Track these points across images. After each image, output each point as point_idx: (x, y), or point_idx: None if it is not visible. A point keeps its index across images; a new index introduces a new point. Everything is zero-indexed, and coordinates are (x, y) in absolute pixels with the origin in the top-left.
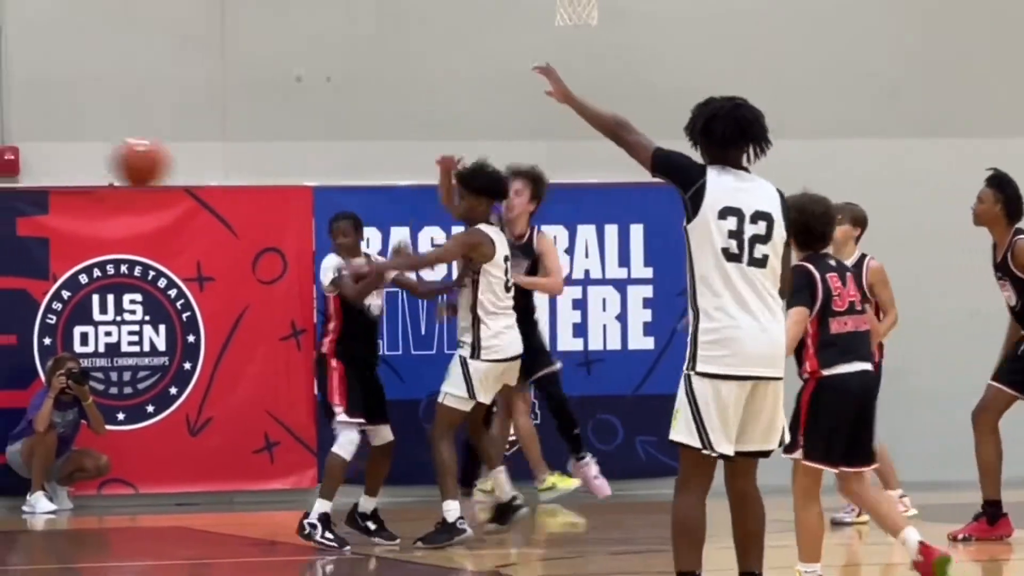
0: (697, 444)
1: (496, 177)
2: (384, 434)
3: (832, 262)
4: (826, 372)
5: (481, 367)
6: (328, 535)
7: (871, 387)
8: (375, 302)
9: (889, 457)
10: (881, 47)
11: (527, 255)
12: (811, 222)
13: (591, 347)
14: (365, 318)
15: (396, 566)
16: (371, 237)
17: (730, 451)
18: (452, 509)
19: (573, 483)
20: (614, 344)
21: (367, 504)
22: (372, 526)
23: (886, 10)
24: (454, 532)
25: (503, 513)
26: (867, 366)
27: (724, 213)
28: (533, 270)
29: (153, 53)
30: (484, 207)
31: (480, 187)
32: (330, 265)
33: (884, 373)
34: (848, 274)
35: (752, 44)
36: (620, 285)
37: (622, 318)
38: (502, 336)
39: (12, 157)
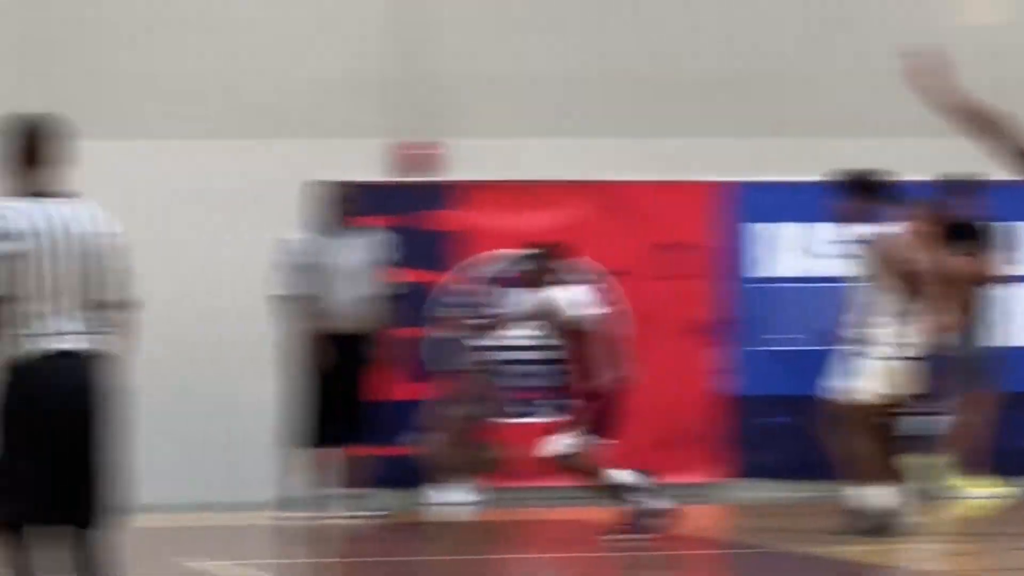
0: None
1: (884, 178)
2: None
3: None
4: None
5: (893, 366)
6: None
7: None
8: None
9: None
10: None
11: None
12: None
13: None
14: None
15: (811, 560)
16: (782, 234)
17: None
18: (877, 500)
19: (988, 490)
20: None
21: None
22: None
23: None
24: (884, 524)
25: (883, 527)
26: None
27: None
28: None
29: (565, 45)
30: (871, 209)
31: (871, 187)
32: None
33: None
34: None
35: None
36: None
37: None
38: (911, 335)
39: (438, 152)
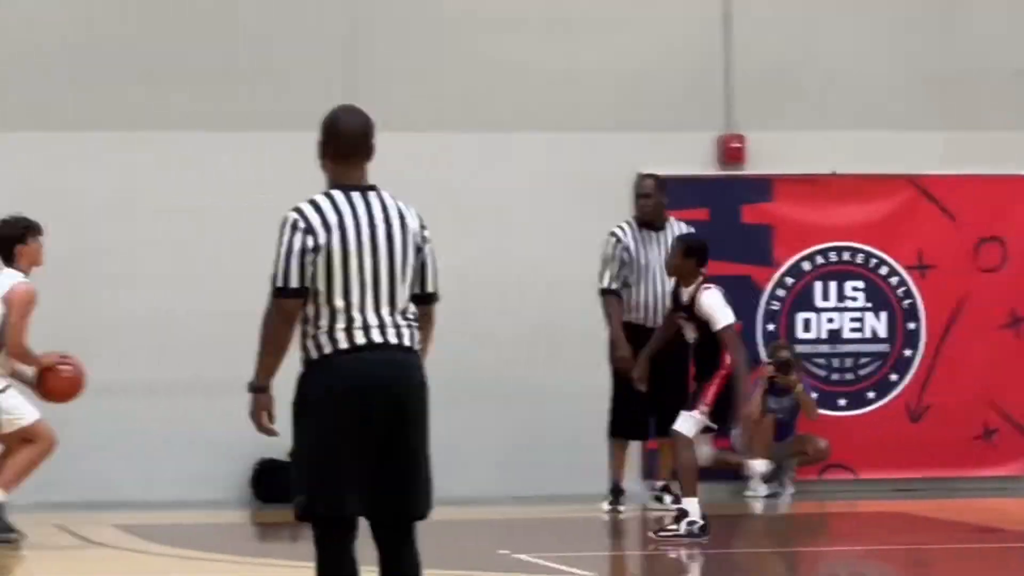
0: None
1: None
2: None
3: None
4: None
5: None
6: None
7: None
8: (689, 334)
9: None
10: None
11: None
12: None
13: None
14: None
15: None
16: None
17: None
18: None
19: None
20: None
21: None
22: None
23: None
24: None
25: None
26: None
27: None
28: None
29: (874, 38)
30: None
31: None
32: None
33: None
34: None
35: None
36: None
37: None
38: None
39: (739, 145)
